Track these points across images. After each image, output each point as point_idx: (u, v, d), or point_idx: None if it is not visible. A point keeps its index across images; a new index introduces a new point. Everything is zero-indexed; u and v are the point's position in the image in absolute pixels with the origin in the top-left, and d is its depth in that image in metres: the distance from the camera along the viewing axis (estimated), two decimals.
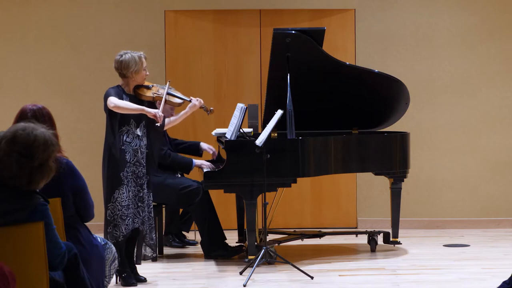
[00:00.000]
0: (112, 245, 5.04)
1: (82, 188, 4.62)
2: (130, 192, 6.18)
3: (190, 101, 6.59)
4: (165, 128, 6.51)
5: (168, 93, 6.40)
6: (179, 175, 7.41)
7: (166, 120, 6.57)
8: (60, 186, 4.46)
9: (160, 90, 6.35)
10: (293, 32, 7.18)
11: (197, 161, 7.36)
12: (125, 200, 6.16)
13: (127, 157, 6.17)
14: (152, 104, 6.34)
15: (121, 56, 6.24)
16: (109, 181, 6.18)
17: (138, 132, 6.22)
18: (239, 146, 6.94)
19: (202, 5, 8.72)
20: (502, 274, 5.55)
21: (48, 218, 3.91)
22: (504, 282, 4.79)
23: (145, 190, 6.24)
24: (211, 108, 6.83)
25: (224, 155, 7.13)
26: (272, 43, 7.14)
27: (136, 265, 6.41)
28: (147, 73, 6.31)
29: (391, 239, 7.58)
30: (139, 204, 6.21)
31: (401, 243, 7.62)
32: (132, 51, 6.27)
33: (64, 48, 8.66)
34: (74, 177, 4.57)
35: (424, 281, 6.41)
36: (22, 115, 4.69)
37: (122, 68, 6.22)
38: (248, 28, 8.79)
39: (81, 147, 8.48)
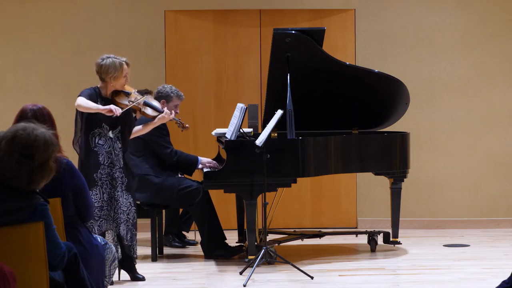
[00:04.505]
0: (112, 245, 5.04)
1: (82, 188, 4.61)
2: (104, 194, 6.18)
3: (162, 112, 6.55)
4: (132, 136, 6.47)
5: (145, 103, 6.39)
6: (180, 175, 7.41)
7: (135, 128, 6.55)
8: (60, 186, 4.45)
9: (137, 98, 6.34)
10: (293, 32, 7.18)
11: (203, 159, 7.35)
12: (98, 201, 6.15)
13: (100, 159, 6.18)
14: (127, 112, 6.30)
15: (103, 60, 6.24)
16: None
17: (111, 134, 6.22)
18: (239, 146, 6.94)
19: (202, 5, 8.72)
20: (502, 274, 5.54)
21: (48, 218, 3.91)
22: (504, 282, 4.79)
23: (120, 192, 6.20)
24: (186, 125, 6.77)
25: (224, 155, 7.13)
26: (272, 43, 7.14)
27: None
28: (128, 80, 6.30)
29: (391, 239, 7.58)
30: (113, 206, 6.20)
31: (401, 243, 7.62)
32: (116, 56, 6.27)
33: (64, 48, 8.66)
34: (74, 177, 4.57)
35: (424, 281, 6.41)
36: (22, 115, 4.69)
37: (102, 72, 6.23)
38: (248, 28, 8.79)
39: None
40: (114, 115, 6.09)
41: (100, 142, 6.19)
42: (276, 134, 7.17)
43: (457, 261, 7.16)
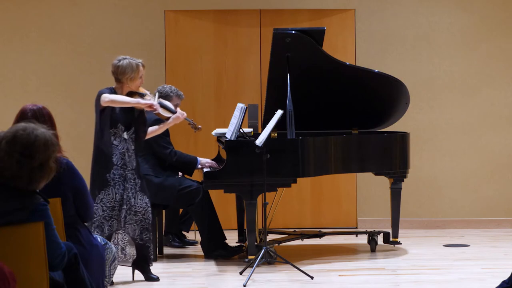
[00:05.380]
0: (112, 245, 5.05)
1: (82, 189, 4.61)
2: (117, 195, 6.17)
3: (176, 113, 6.60)
4: (146, 137, 6.49)
5: (159, 103, 6.42)
6: (180, 175, 7.41)
7: (150, 129, 6.57)
8: (60, 186, 4.45)
9: (152, 100, 6.35)
10: (293, 32, 7.18)
11: (202, 160, 7.36)
12: (110, 202, 6.15)
13: (114, 160, 6.18)
14: (142, 112, 6.32)
15: (119, 61, 6.25)
16: (94, 181, 6.20)
17: (125, 135, 6.23)
18: (239, 146, 6.94)
19: (202, 5, 8.72)
20: (502, 274, 5.54)
21: (48, 218, 3.91)
22: (504, 282, 4.79)
23: (131, 193, 6.19)
24: (199, 126, 6.83)
25: (224, 155, 7.13)
26: (272, 43, 7.15)
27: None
28: (143, 81, 6.32)
29: (391, 239, 7.58)
30: (123, 206, 6.20)
31: (401, 243, 7.62)
32: (131, 57, 6.29)
33: (64, 48, 8.66)
34: (74, 177, 4.57)
35: (424, 281, 6.41)
36: (22, 115, 4.69)
37: (118, 73, 6.24)
38: (248, 28, 8.79)
39: (81, 148, 8.47)
40: (156, 112, 6.23)
41: (115, 142, 6.20)
42: (276, 134, 7.17)
43: (457, 261, 7.16)
